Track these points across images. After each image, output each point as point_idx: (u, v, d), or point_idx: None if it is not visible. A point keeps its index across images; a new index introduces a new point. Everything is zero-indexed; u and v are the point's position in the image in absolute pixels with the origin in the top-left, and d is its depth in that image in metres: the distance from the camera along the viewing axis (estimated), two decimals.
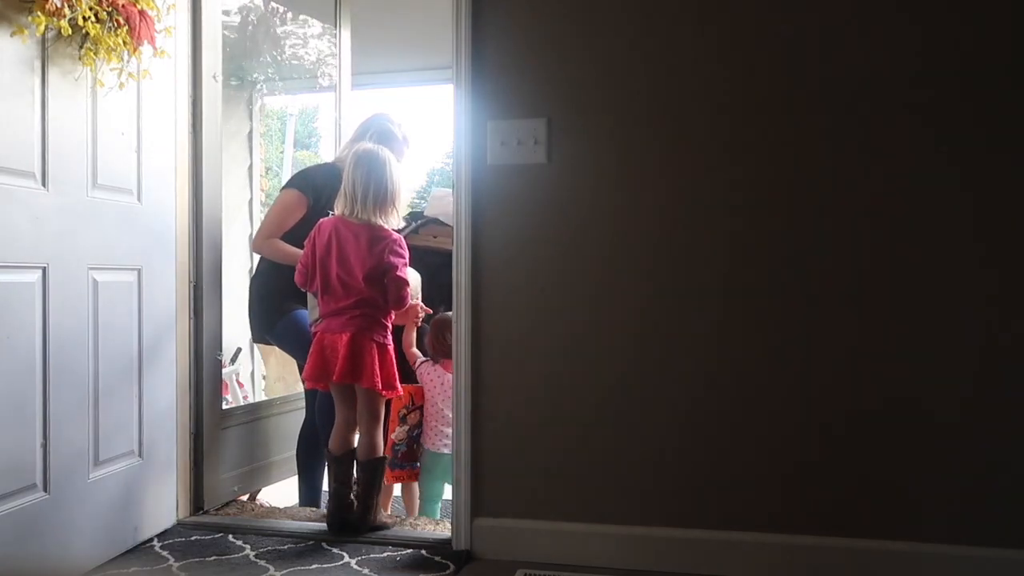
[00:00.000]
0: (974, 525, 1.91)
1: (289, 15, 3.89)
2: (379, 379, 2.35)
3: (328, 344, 2.37)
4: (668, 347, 2.08)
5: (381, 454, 2.45)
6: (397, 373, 2.44)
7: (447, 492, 3.00)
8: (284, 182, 2.82)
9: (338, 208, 2.44)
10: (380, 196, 2.39)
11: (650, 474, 2.09)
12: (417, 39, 4.32)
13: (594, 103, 2.11)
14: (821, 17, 1.98)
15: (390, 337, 2.44)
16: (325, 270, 2.38)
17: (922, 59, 1.93)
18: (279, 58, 4.03)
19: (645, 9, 2.08)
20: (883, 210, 1.95)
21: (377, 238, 2.38)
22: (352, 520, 2.39)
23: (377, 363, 2.35)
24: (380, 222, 2.40)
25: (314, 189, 2.75)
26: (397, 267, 2.37)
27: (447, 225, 2.96)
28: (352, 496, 2.43)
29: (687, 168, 2.07)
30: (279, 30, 3.97)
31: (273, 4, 3.80)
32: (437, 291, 2.94)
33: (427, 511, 2.90)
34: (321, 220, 2.47)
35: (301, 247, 2.53)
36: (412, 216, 3.23)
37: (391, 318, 2.45)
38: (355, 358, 2.33)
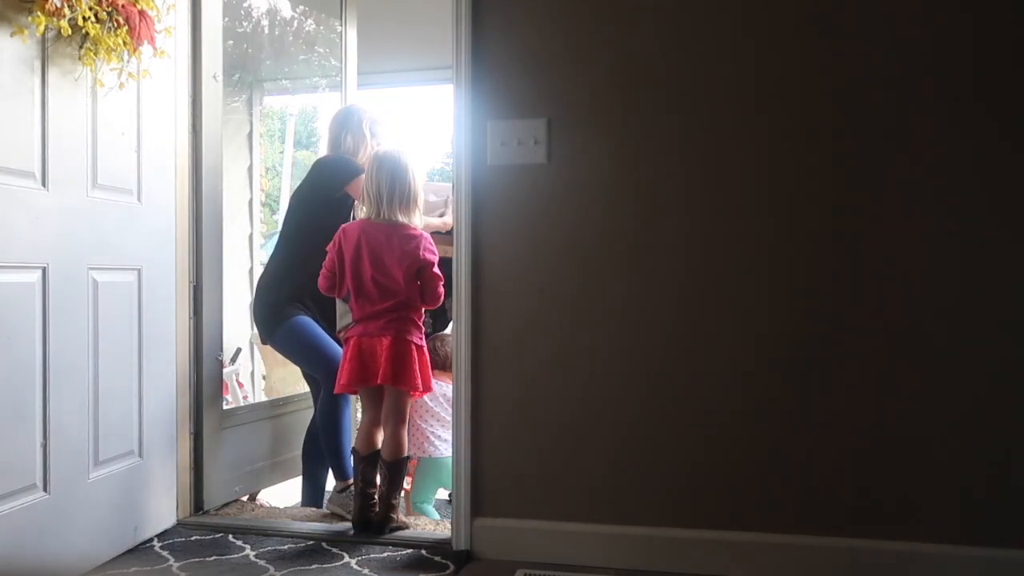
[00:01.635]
0: (974, 525, 1.91)
1: (294, 13, 3.88)
2: (419, 381, 2.38)
3: (367, 348, 2.37)
4: (668, 347, 2.08)
5: (406, 453, 2.47)
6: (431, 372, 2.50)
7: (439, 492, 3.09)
8: (347, 172, 2.72)
9: (362, 211, 2.46)
10: (405, 196, 2.42)
11: (650, 474, 2.09)
12: (417, 39, 4.31)
13: (594, 103, 2.11)
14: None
15: (423, 336, 2.47)
16: (357, 273, 2.39)
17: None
18: (282, 57, 4.03)
19: (646, 8, 2.08)
20: (902, 210, 1.95)
21: (408, 236, 2.40)
22: (376, 520, 2.40)
23: (416, 365, 2.38)
24: (405, 221, 2.42)
25: None
26: (433, 264, 2.39)
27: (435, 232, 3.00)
28: (376, 497, 2.45)
29: (688, 167, 2.06)
30: (283, 29, 3.96)
31: (277, 2, 3.79)
32: None
33: (423, 512, 2.96)
34: (344, 225, 2.48)
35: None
36: None
37: (422, 317, 2.47)
38: (398, 362, 2.35)
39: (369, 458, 2.44)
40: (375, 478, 2.45)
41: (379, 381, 2.36)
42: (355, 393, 2.51)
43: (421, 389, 2.41)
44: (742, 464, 2.04)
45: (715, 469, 2.06)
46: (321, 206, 2.73)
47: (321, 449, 2.83)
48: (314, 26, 3.92)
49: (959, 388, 1.93)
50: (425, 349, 2.45)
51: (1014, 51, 1.88)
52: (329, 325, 2.78)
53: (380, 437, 2.49)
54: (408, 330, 2.39)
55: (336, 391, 2.48)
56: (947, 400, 1.93)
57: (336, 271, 2.42)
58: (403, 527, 2.42)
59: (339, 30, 3.47)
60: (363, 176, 2.69)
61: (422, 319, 2.46)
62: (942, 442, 1.94)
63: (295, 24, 3.96)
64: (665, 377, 2.08)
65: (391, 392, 2.43)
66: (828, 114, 1.98)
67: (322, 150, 3.22)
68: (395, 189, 2.41)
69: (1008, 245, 1.90)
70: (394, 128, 2.92)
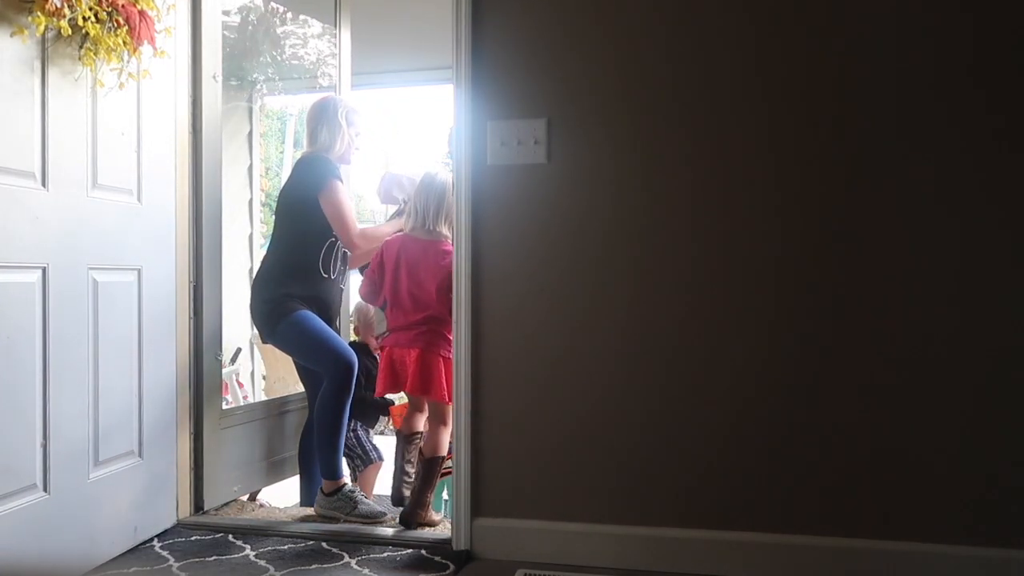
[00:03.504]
0: (974, 525, 1.91)
1: (289, 15, 3.88)
2: (446, 392, 2.47)
3: (397, 358, 2.55)
4: (669, 348, 2.08)
5: (441, 454, 2.55)
6: None
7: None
8: (319, 179, 2.72)
9: (408, 225, 2.63)
10: (444, 211, 2.58)
11: (651, 474, 2.09)
12: (417, 39, 4.32)
13: (594, 103, 2.11)
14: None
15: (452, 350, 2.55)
16: (395, 284, 2.56)
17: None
18: (279, 58, 4.03)
19: (646, 8, 2.08)
20: (904, 210, 1.95)
21: (443, 252, 2.52)
22: (404, 514, 2.49)
23: (444, 377, 2.49)
24: (445, 233, 2.57)
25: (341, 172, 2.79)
26: None
27: None
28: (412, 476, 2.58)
29: (689, 167, 2.07)
30: (279, 30, 3.97)
31: (273, 4, 3.79)
32: None
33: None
34: (388, 239, 2.65)
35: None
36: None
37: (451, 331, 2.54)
38: (424, 374, 2.49)
39: (409, 437, 2.61)
40: (413, 458, 2.59)
41: (407, 390, 2.54)
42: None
43: (449, 400, 2.48)
44: (742, 464, 2.04)
45: (715, 469, 2.06)
46: (306, 204, 2.72)
47: (315, 449, 2.81)
48: (308, 28, 3.92)
49: (959, 388, 1.93)
50: (453, 362, 2.52)
51: (1016, 49, 1.88)
52: (326, 321, 2.78)
53: (420, 422, 2.65)
54: (437, 343, 2.51)
55: (376, 395, 2.66)
56: (947, 400, 1.93)
57: (377, 280, 2.61)
58: (432, 524, 2.50)
59: (333, 32, 3.48)
60: (338, 183, 2.71)
61: (452, 334, 2.53)
62: (942, 442, 1.94)
63: (289, 25, 3.96)
64: (667, 377, 2.08)
65: (430, 402, 2.57)
66: (833, 113, 1.98)
67: None
68: (437, 204, 2.57)
69: (1009, 246, 1.90)
70: (371, 118, 2.93)
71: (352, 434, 2.94)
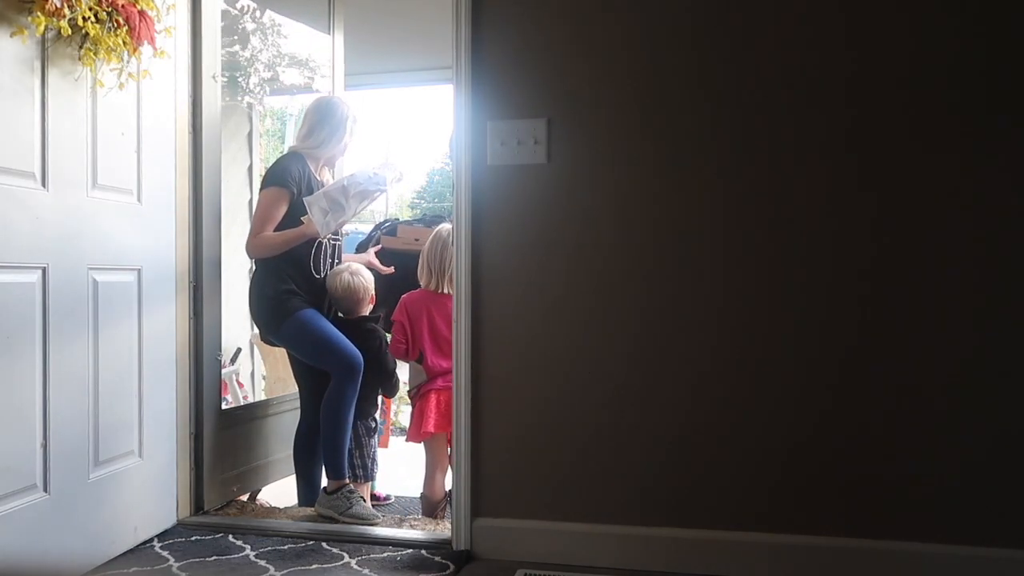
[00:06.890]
0: (974, 525, 1.91)
1: (284, 19, 3.88)
2: None
3: (445, 400, 2.74)
4: (668, 348, 2.08)
5: (438, 499, 2.84)
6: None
7: None
8: (265, 180, 2.72)
9: (423, 281, 2.85)
10: (449, 270, 2.73)
11: (650, 474, 2.09)
12: (417, 39, 4.32)
13: (594, 103, 2.11)
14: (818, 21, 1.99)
15: None
16: (435, 335, 2.81)
17: (914, 62, 1.94)
18: (275, 60, 4.03)
19: (646, 9, 2.08)
20: (881, 210, 1.96)
21: None
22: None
23: None
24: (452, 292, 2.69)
25: (295, 182, 2.69)
26: None
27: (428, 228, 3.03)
28: None
29: (689, 168, 2.07)
30: (274, 33, 3.97)
31: (268, 9, 3.80)
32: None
33: None
34: (404, 297, 2.86)
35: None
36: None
37: None
38: None
39: (437, 504, 2.83)
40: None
41: None
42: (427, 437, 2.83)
43: None
44: (743, 464, 2.04)
45: (715, 469, 2.06)
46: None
47: (311, 449, 2.80)
48: (303, 32, 3.93)
49: (958, 388, 1.93)
50: None
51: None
52: (325, 314, 2.79)
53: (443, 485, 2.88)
54: None
55: (420, 439, 2.79)
56: (947, 399, 1.93)
57: (409, 336, 2.83)
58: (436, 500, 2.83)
59: (327, 37, 3.48)
60: (272, 190, 2.66)
61: None
62: (942, 441, 1.94)
63: (286, 29, 3.97)
64: (667, 378, 2.08)
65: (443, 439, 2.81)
66: (823, 114, 1.98)
67: None
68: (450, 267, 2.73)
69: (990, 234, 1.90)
70: (366, 124, 2.94)
71: (364, 440, 2.92)
